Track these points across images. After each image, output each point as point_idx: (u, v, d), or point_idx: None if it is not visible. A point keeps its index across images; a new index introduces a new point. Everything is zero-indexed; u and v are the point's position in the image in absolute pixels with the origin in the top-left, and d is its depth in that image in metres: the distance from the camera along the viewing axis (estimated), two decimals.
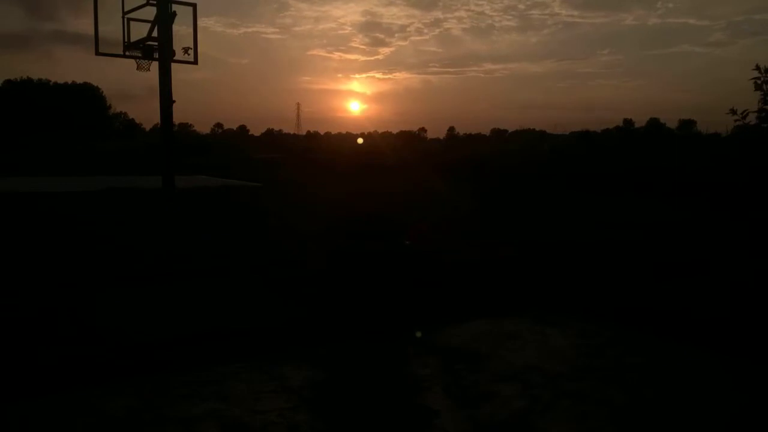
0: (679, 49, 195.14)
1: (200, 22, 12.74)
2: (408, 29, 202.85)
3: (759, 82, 6.08)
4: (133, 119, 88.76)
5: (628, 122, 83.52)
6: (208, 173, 23.58)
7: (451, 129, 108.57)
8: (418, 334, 4.66)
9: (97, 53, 13.58)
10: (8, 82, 79.46)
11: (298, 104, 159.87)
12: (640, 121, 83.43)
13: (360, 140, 51.15)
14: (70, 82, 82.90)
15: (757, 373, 3.95)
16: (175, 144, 14.44)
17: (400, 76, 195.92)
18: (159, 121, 14.11)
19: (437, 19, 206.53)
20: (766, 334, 4.56)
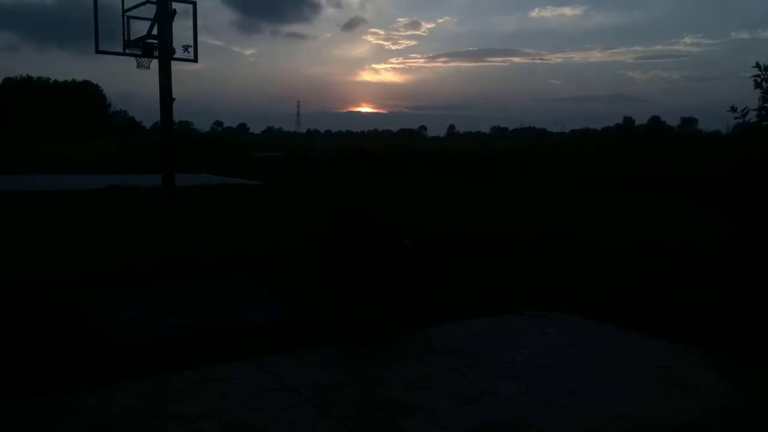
0: None
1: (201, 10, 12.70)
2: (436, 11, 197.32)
3: (759, 80, 6.08)
4: (133, 117, 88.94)
5: (628, 120, 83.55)
6: (208, 171, 23.58)
7: (452, 127, 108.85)
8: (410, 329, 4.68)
9: (97, 51, 13.63)
10: (8, 80, 79.53)
11: (298, 102, 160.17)
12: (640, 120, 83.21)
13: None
14: (70, 80, 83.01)
15: (757, 372, 3.96)
16: (175, 142, 14.49)
17: (427, 65, 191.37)
18: (159, 119, 14.14)
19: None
20: (765, 334, 4.56)
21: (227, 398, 3.39)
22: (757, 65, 6.05)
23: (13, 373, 3.74)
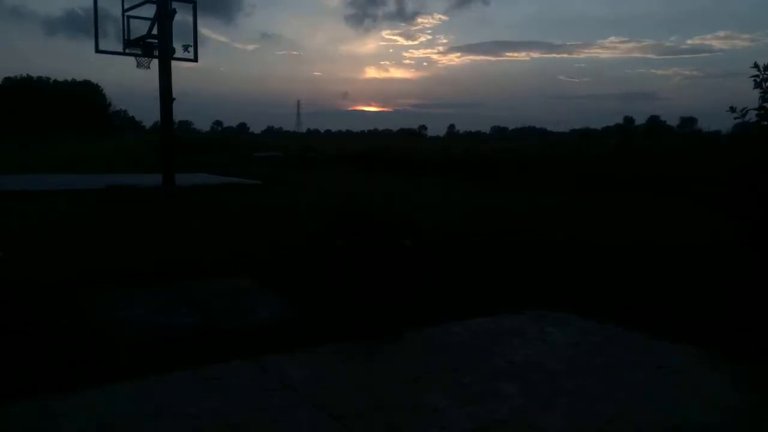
0: None
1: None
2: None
3: (758, 79, 6.08)
4: (133, 117, 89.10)
5: (628, 120, 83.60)
6: (209, 171, 23.57)
7: (452, 126, 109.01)
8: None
9: (97, 50, 13.63)
10: (8, 80, 79.61)
11: (298, 102, 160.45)
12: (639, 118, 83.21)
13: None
14: (70, 79, 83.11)
15: (757, 372, 3.96)
16: (175, 142, 14.49)
17: (442, 59, 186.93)
18: (159, 119, 14.14)
19: None
20: (765, 334, 4.56)
21: (227, 398, 3.39)
22: (756, 65, 6.05)
23: (13, 373, 3.75)
